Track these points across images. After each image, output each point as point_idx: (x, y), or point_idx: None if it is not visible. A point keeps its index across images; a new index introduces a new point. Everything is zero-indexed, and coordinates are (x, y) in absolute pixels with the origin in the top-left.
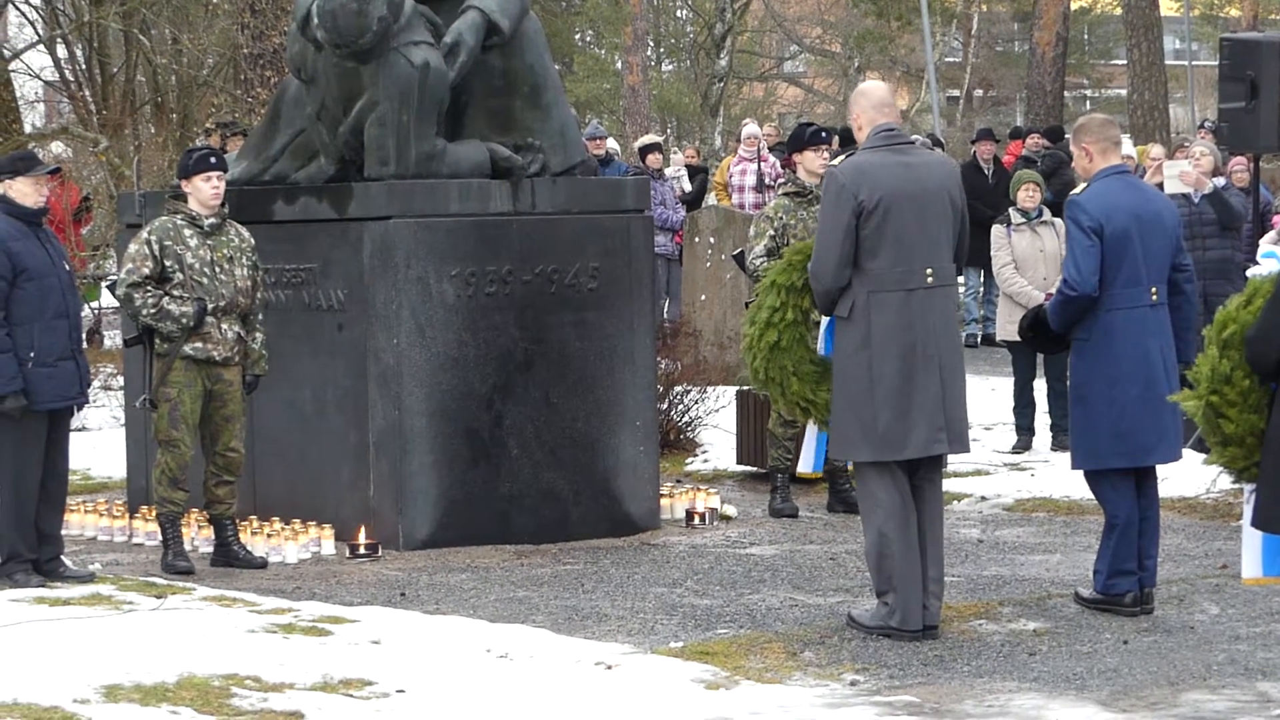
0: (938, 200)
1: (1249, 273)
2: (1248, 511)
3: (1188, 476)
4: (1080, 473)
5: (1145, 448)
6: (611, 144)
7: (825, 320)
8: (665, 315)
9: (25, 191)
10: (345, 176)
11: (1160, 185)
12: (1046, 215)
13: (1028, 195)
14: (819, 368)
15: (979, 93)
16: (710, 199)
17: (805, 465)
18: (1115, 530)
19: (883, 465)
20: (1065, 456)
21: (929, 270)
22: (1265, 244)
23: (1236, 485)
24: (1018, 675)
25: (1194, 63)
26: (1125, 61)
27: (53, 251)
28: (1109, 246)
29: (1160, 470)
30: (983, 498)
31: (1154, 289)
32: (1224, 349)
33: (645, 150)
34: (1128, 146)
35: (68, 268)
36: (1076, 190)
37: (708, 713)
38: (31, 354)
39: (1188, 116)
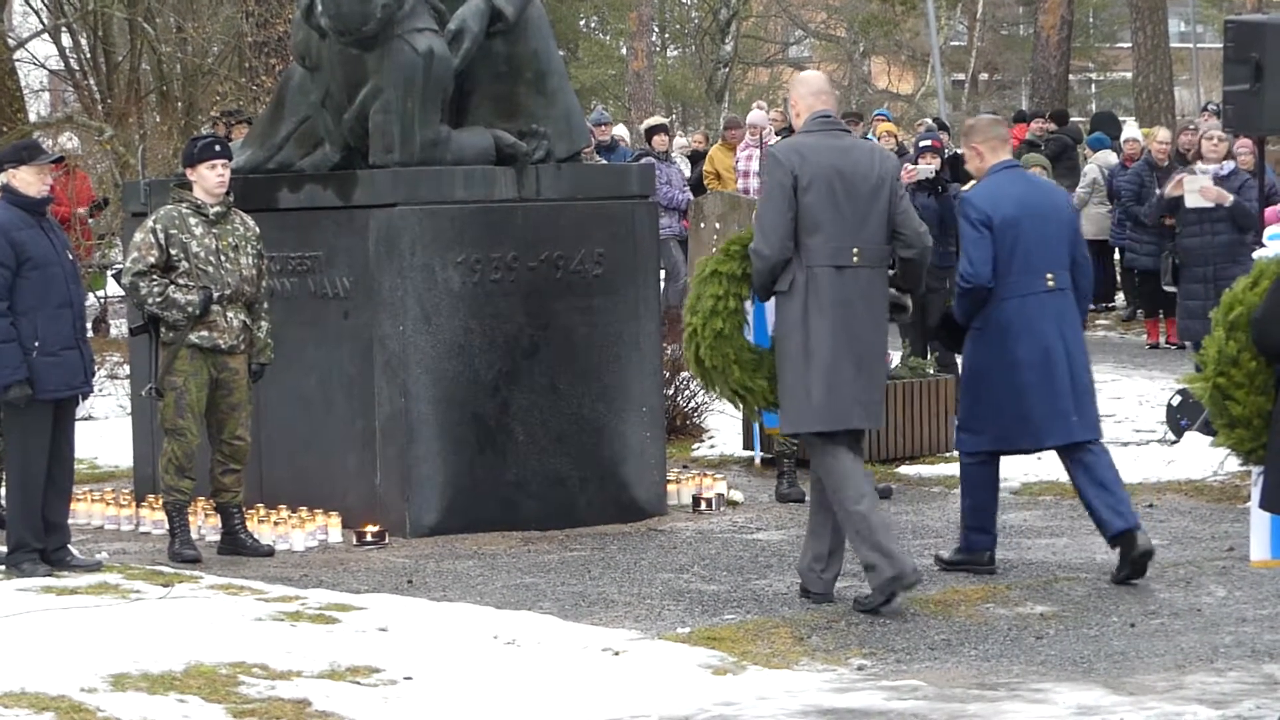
0: (867, 184)
1: (1255, 255)
2: (1255, 493)
3: (1195, 459)
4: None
5: (1042, 431)
6: (620, 130)
7: (753, 308)
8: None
9: (29, 181)
10: (350, 164)
11: (1180, 200)
12: None
13: None
14: (756, 355)
15: (984, 77)
16: None
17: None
18: (971, 492)
19: (831, 436)
20: None
21: (855, 250)
22: (1271, 226)
23: (1244, 467)
24: (1025, 658)
25: (1199, 45)
26: (1130, 44)
27: (56, 241)
28: (999, 236)
29: (1168, 453)
30: None
31: (1050, 275)
32: (1230, 331)
33: (651, 132)
34: (1133, 130)
35: (71, 257)
36: (967, 187)
37: (715, 698)
38: (36, 343)
39: (1193, 99)
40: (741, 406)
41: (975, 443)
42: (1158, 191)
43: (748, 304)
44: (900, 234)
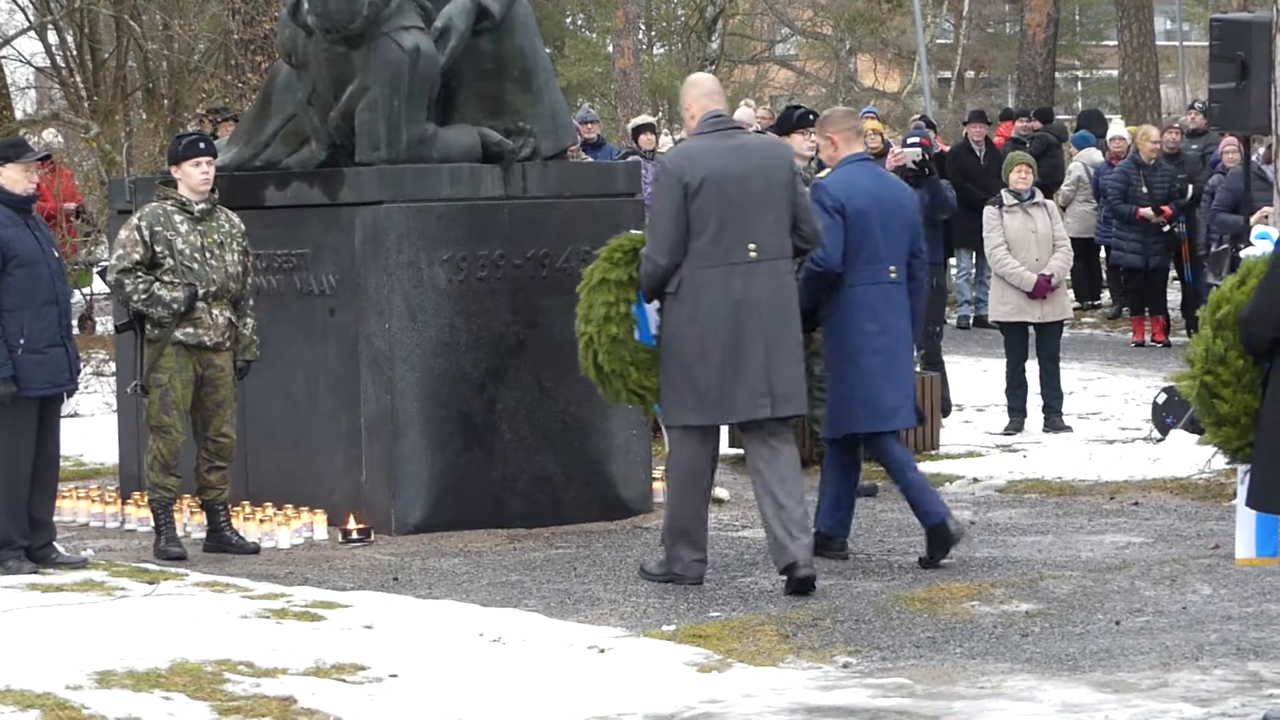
0: (761, 180)
1: (1242, 253)
2: (1242, 491)
3: (1180, 457)
4: (1067, 454)
5: (889, 412)
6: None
7: (636, 309)
8: None
9: (15, 178)
10: (336, 161)
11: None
12: (1039, 197)
13: (1020, 177)
14: (649, 355)
15: (970, 74)
16: None
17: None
18: (844, 483)
19: (697, 432)
20: (1057, 438)
21: (751, 246)
22: (1257, 225)
23: (1230, 465)
24: (1010, 656)
25: (1185, 43)
26: (1116, 42)
27: (42, 238)
28: (851, 226)
29: (1153, 450)
30: (975, 479)
31: (892, 267)
32: (1218, 329)
33: (638, 130)
34: (1119, 128)
35: (57, 254)
36: (822, 175)
37: (700, 695)
38: (21, 341)
39: (1179, 97)
40: (641, 406)
41: (827, 426)
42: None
43: (634, 307)
44: (799, 229)
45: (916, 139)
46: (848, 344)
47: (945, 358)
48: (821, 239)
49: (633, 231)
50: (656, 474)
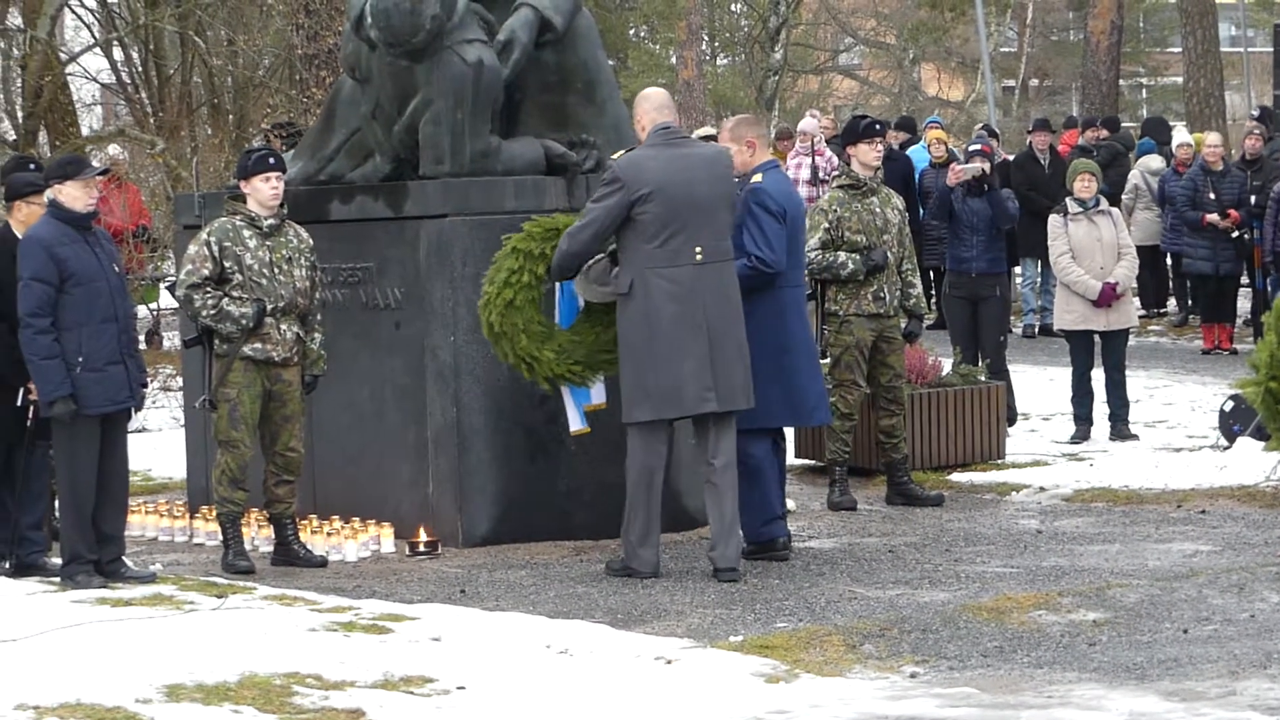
0: (704, 186)
1: None
2: None
3: (1248, 464)
4: (1133, 462)
5: (810, 408)
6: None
7: (560, 292)
8: None
9: (75, 195)
10: (400, 175)
11: None
12: (1103, 205)
13: (1084, 185)
14: (546, 329)
15: (1034, 82)
16: None
17: (574, 424)
18: (761, 481)
19: (650, 430)
20: (1124, 446)
21: (698, 249)
22: None
23: None
24: (1078, 665)
25: (1250, 49)
26: (1180, 49)
27: (102, 255)
28: (789, 229)
29: (1220, 458)
30: (1041, 488)
31: (805, 272)
32: None
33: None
34: (1184, 134)
35: (118, 270)
36: (757, 179)
37: (768, 706)
38: (80, 359)
39: (1244, 103)
40: (529, 375)
41: (754, 419)
42: None
43: (558, 288)
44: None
45: (978, 147)
46: (774, 343)
47: (1010, 367)
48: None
49: (559, 215)
50: None
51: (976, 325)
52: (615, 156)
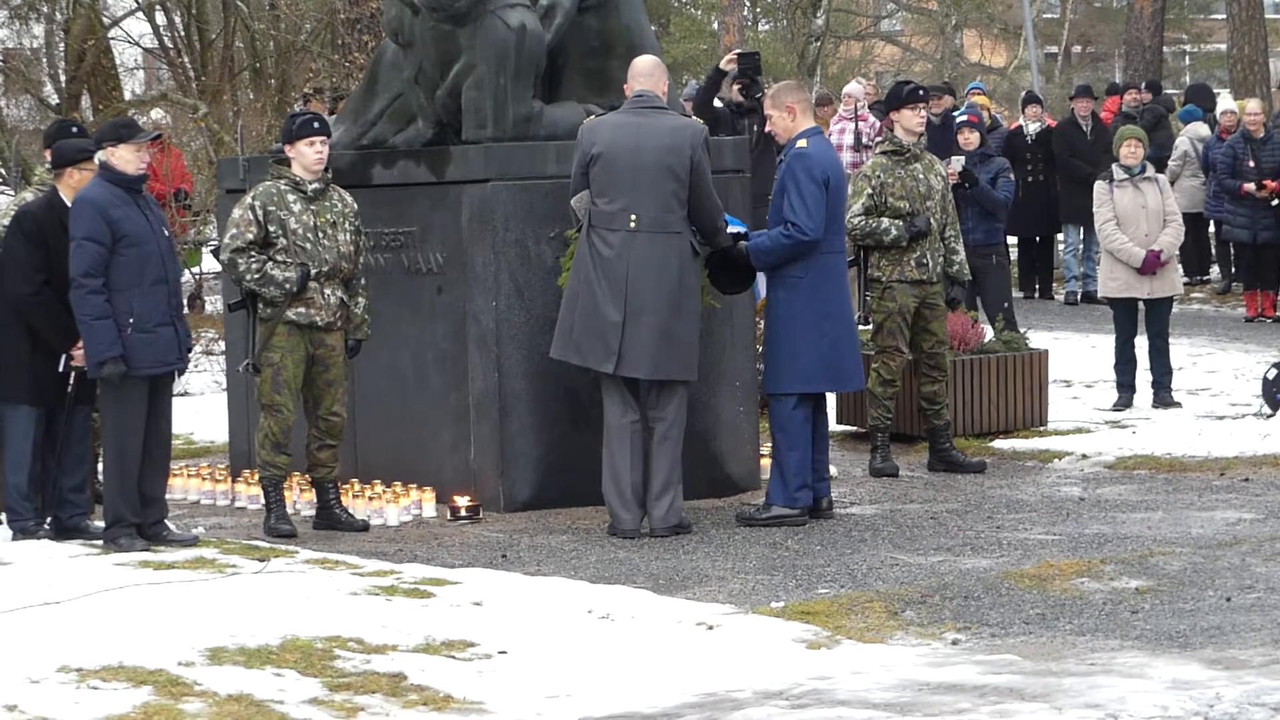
0: (653, 155)
1: None
2: None
3: None
4: (1176, 430)
5: (848, 374)
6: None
7: None
8: None
9: (127, 159)
10: (443, 140)
11: None
12: (1150, 171)
13: (1130, 151)
14: None
15: (1077, 49)
16: None
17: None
18: (799, 447)
19: (614, 389)
20: (1167, 414)
21: (633, 216)
22: None
23: None
24: (1120, 633)
25: None
26: (1225, 16)
27: (152, 218)
28: (831, 196)
29: (1264, 426)
30: (1084, 455)
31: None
32: None
33: None
34: (1228, 102)
35: (167, 234)
36: (801, 144)
37: (809, 672)
38: (130, 320)
39: None
40: None
41: (791, 384)
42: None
43: None
44: (696, 214)
45: (964, 116)
46: (817, 307)
47: (1052, 333)
48: (721, 236)
49: None
50: (764, 450)
51: (984, 294)
52: (588, 119)
